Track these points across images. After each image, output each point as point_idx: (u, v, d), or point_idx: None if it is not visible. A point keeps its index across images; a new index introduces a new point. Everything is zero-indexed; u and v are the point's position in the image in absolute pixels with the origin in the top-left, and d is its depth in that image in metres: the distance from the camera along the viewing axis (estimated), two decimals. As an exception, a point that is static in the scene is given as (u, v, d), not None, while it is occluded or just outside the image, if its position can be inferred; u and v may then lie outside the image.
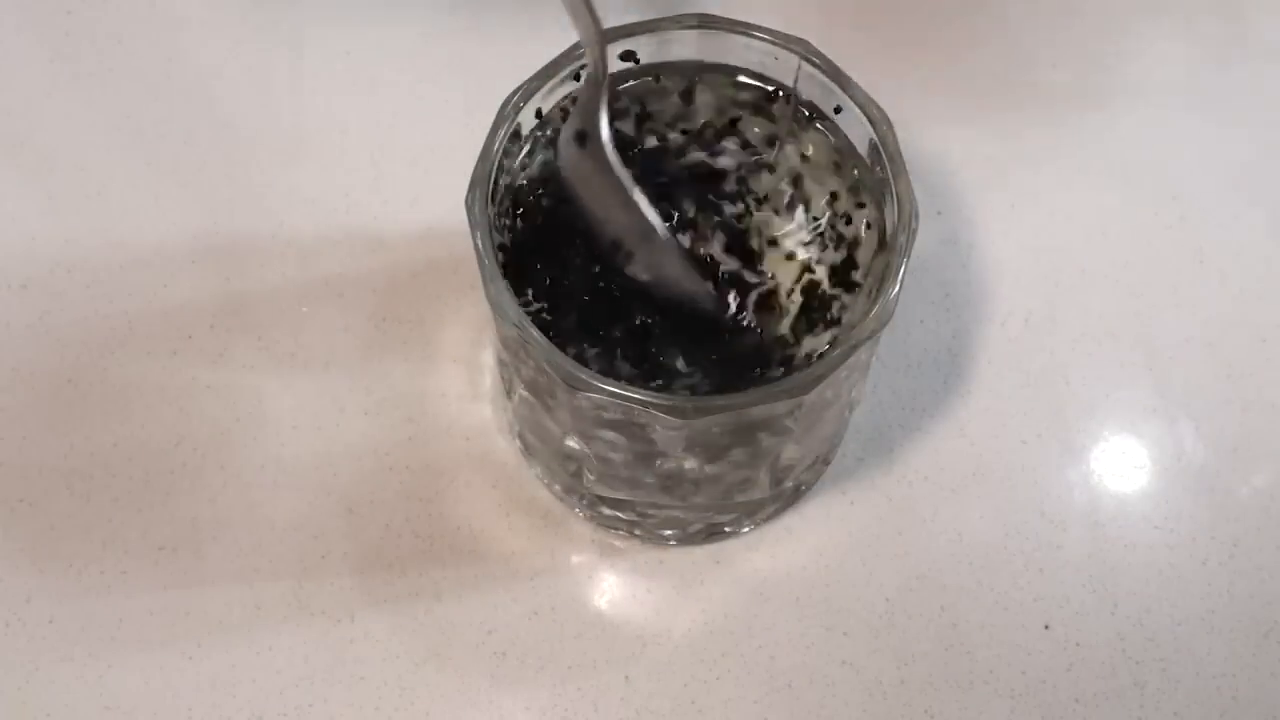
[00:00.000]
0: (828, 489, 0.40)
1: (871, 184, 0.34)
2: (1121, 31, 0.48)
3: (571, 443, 0.35)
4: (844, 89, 0.33)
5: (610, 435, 0.33)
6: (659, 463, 0.34)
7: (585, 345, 0.33)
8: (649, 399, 0.30)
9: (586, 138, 0.32)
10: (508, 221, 0.34)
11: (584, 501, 0.39)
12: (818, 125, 0.35)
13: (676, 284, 0.33)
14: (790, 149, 0.35)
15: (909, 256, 0.31)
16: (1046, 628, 0.39)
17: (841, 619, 0.39)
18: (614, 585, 0.39)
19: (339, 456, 0.40)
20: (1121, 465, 0.41)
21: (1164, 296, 0.44)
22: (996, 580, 0.39)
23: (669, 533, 0.39)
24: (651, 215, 0.33)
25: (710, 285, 0.33)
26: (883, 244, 0.33)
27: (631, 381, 0.32)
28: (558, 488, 0.39)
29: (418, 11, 0.47)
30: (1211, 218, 0.45)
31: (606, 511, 0.38)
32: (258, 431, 0.40)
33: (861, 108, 0.33)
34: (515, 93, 0.33)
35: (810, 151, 0.35)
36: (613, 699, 0.37)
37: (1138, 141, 0.46)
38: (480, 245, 0.32)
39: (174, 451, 0.40)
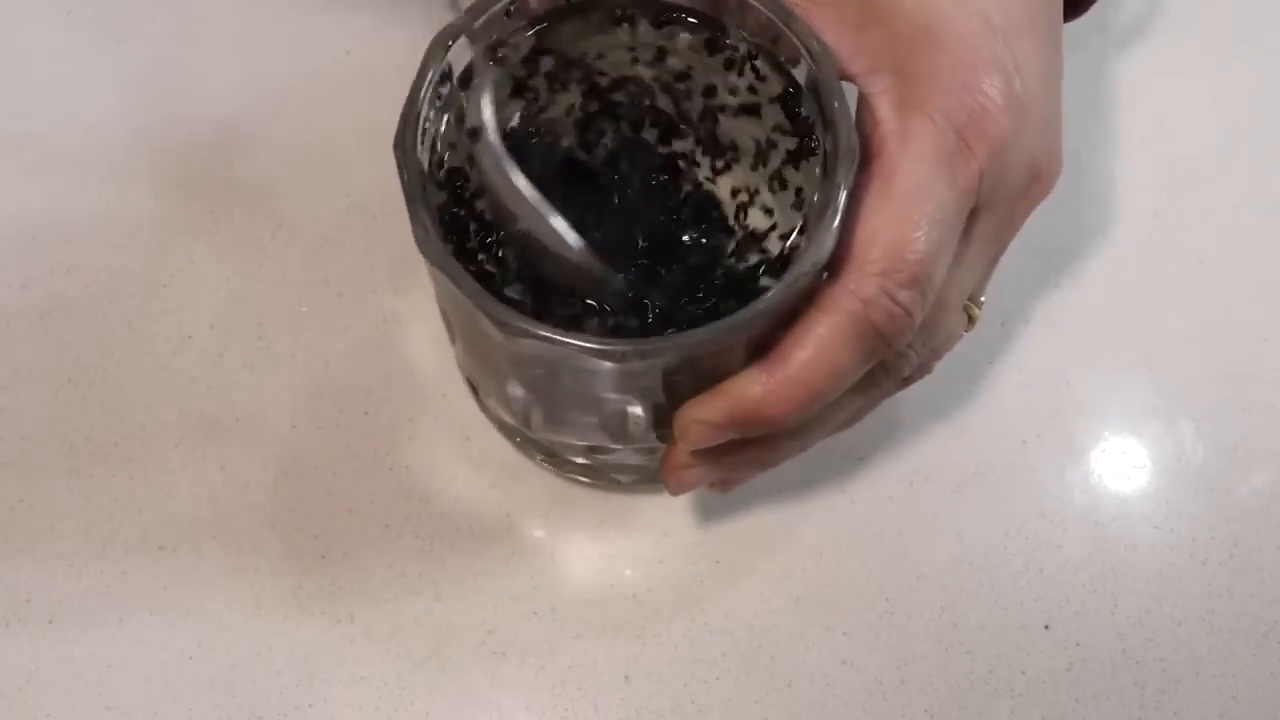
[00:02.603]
0: (828, 489, 0.40)
1: (814, 119, 0.32)
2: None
3: (514, 390, 0.34)
4: (784, 22, 0.32)
5: (549, 379, 0.32)
6: (603, 405, 0.33)
7: (524, 288, 0.32)
8: (581, 343, 0.29)
9: (479, 133, 0.31)
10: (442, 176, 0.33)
11: (538, 450, 0.39)
12: (760, 60, 0.33)
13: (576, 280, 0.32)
14: (736, 86, 0.34)
15: (848, 189, 0.30)
16: (1046, 628, 0.39)
17: (841, 619, 0.39)
18: (615, 586, 0.39)
19: (339, 456, 0.40)
20: (1121, 465, 0.41)
21: (1164, 296, 0.44)
22: (996, 580, 0.39)
23: (624, 478, 0.39)
24: (551, 219, 0.31)
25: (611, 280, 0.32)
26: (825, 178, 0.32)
27: (574, 321, 0.31)
28: (518, 439, 0.39)
29: (418, 11, 0.47)
30: (1211, 218, 0.45)
31: (562, 457, 0.38)
32: (257, 431, 0.40)
33: (801, 39, 0.32)
34: (445, 31, 0.32)
35: (753, 88, 0.33)
36: (613, 699, 0.38)
37: (1136, 142, 0.46)
38: (408, 187, 0.30)
39: (174, 451, 0.40)
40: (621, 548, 0.40)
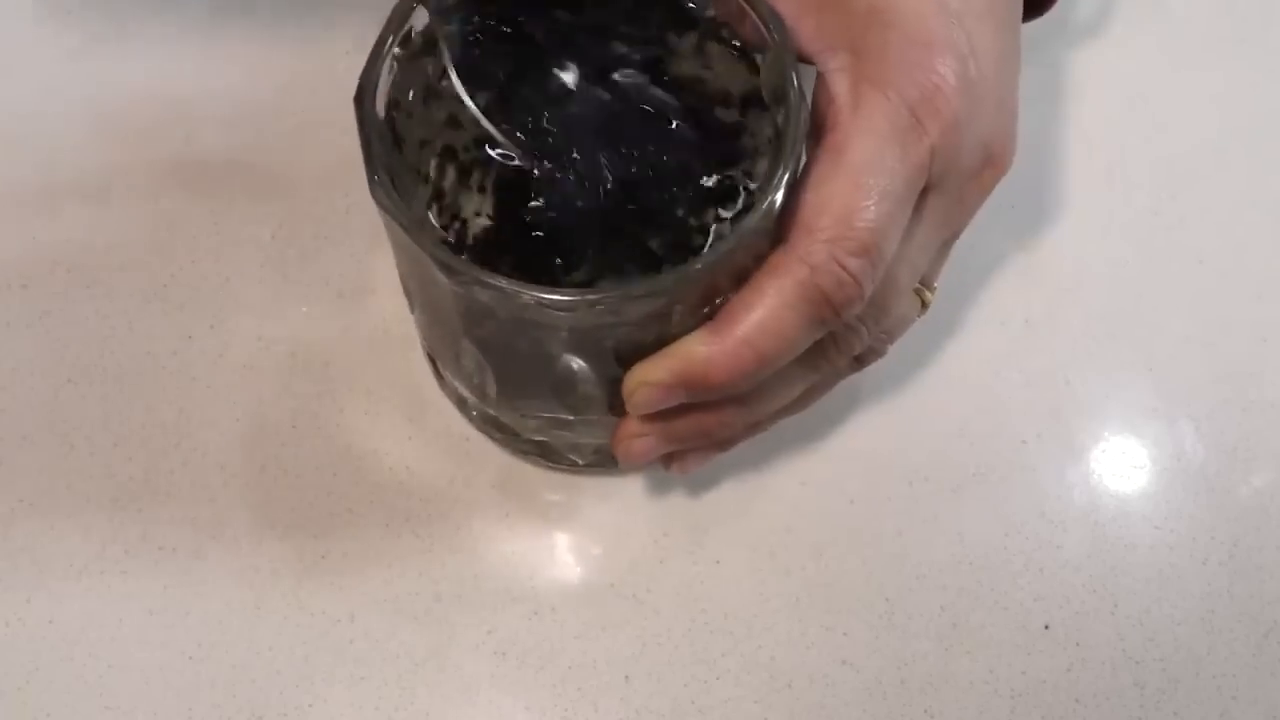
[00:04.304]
0: (828, 488, 0.40)
1: (773, 90, 0.33)
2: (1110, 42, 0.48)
3: (468, 350, 0.34)
4: (746, 1, 0.33)
5: (500, 337, 0.32)
6: (554, 367, 0.33)
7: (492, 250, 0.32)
8: (527, 291, 0.29)
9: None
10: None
11: (494, 427, 0.39)
12: (723, 34, 0.34)
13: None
14: (702, 62, 0.34)
15: (798, 157, 0.31)
16: (1046, 628, 0.39)
17: (841, 619, 0.39)
18: (615, 585, 0.39)
19: (339, 456, 0.40)
20: (1121, 465, 0.41)
21: (1164, 296, 0.44)
22: (996, 580, 0.39)
23: (580, 459, 0.39)
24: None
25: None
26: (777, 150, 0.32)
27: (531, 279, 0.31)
28: (474, 414, 0.39)
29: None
30: (1211, 217, 0.45)
31: (517, 433, 0.38)
32: (257, 431, 0.40)
33: (762, 18, 0.32)
34: None
35: (717, 62, 0.34)
36: (613, 699, 0.38)
37: (1136, 142, 0.46)
38: (366, 143, 0.31)
39: (174, 451, 0.40)
40: (622, 548, 0.40)
